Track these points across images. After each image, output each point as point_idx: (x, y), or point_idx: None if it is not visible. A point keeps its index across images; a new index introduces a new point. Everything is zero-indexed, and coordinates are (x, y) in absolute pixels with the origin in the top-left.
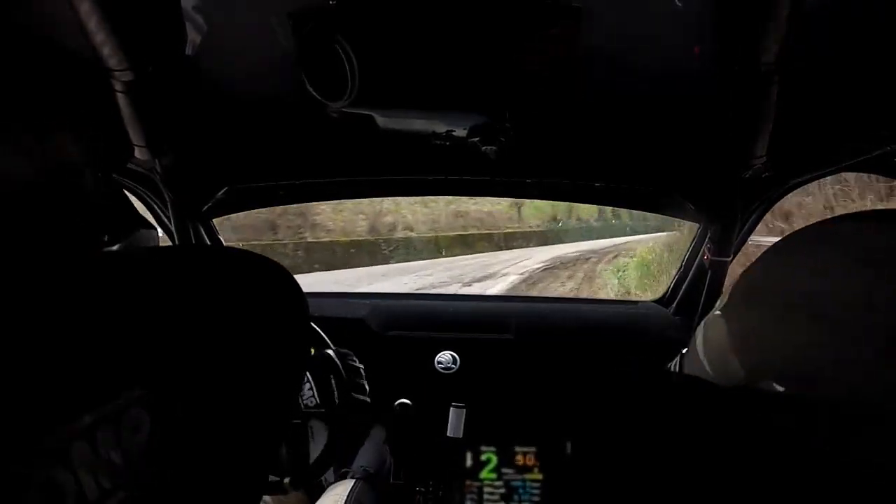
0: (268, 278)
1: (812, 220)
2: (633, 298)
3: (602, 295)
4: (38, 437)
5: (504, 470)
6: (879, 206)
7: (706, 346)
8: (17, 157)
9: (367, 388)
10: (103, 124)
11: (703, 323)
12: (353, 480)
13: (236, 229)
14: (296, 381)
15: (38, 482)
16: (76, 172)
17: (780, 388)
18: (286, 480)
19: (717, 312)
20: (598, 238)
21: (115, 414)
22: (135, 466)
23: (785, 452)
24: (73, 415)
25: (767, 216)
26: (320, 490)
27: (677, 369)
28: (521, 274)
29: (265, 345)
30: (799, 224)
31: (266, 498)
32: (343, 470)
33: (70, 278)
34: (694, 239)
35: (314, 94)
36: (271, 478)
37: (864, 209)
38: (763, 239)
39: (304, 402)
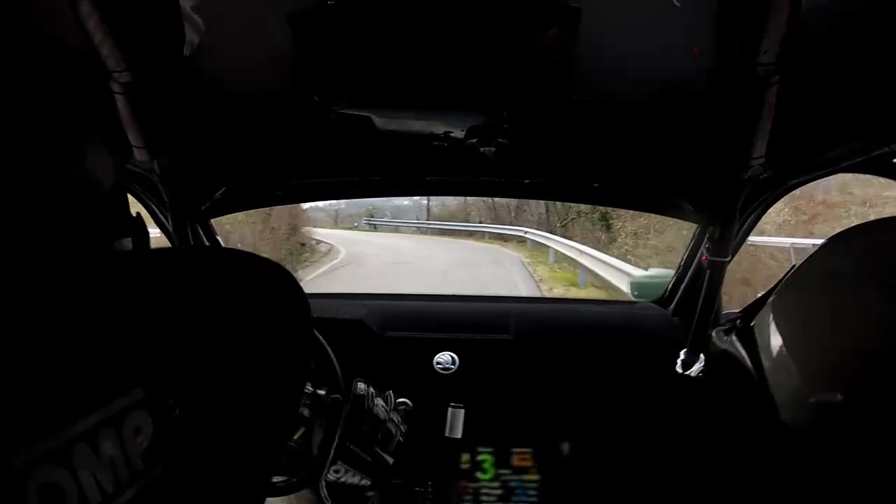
0: (270, 280)
1: None
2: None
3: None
4: (39, 438)
5: (501, 471)
6: None
7: (767, 346)
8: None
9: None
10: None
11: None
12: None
13: None
14: (299, 382)
15: (39, 484)
16: (98, 180)
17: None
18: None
19: (775, 304)
20: None
21: (116, 416)
22: (137, 469)
23: (791, 459)
24: (74, 416)
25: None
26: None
27: (681, 371)
28: None
29: (268, 346)
30: None
31: (271, 499)
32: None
33: (71, 281)
34: (693, 239)
35: (312, 94)
36: (275, 479)
37: None
38: (761, 240)
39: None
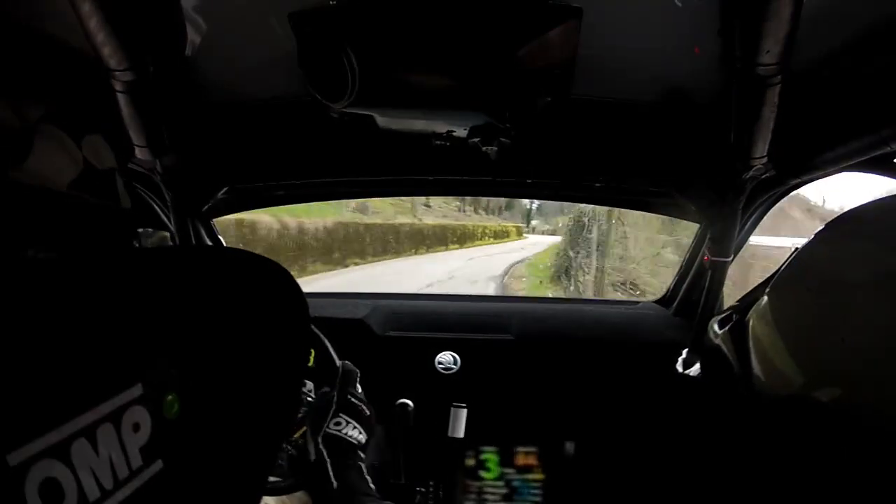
0: (269, 279)
1: None
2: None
3: None
4: (38, 434)
5: (505, 470)
6: None
7: (757, 345)
8: (61, 158)
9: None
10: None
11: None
12: None
13: None
14: (297, 381)
15: (38, 480)
16: (109, 176)
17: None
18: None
19: (764, 301)
20: None
21: (115, 412)
22: (135, 465)
23: (795, 459)
24: (73, 412)
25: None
26: (322, 493)
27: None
28: None
29: (266, 344)
30: None
31: (267, 499)
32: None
33: (72, 277)
34: (694, 239)
35: (315, 94)
36: (272, 478)
37: None
38: (762, 240)
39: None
